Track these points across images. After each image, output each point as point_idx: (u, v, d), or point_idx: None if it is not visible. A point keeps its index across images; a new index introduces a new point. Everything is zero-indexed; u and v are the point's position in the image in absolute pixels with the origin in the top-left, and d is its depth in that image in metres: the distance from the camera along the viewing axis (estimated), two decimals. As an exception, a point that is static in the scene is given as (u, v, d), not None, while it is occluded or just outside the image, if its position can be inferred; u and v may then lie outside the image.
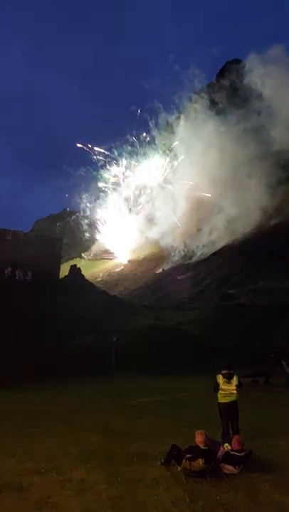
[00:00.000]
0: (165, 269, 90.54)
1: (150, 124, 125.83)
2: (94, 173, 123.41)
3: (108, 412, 16.39)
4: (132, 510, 6.22)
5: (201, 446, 7.80)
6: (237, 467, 7.76)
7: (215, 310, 49.21)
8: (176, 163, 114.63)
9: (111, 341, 35.52)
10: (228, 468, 7.74)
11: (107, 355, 34.72)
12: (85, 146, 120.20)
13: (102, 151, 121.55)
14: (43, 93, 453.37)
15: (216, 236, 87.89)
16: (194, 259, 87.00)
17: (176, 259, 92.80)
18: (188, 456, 7.59)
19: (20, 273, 43.01)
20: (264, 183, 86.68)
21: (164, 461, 8.29)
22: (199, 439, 7.90)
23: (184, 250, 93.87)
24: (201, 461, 7.53)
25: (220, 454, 7.97)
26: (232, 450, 8.04)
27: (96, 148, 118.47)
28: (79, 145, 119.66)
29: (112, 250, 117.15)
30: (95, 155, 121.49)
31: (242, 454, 7.99)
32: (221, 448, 8.26)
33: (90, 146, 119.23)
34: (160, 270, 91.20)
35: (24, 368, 30.25)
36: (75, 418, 14.98)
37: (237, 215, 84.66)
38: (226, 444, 8.55)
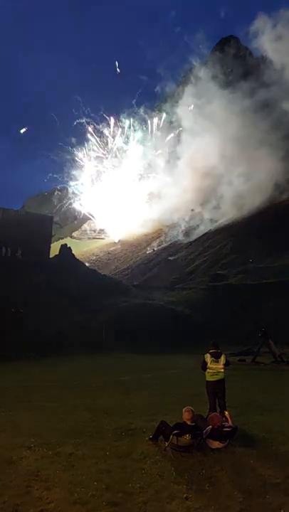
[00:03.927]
0: (156, 249, 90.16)
1: (156, 91, 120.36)
2: (91, 148, 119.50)
3: (98, 389, 16.63)
4: (120, 483, 6.38)
5: (188, 422, 7.99)
6: (223, 442, 7.98)
7: (204, 290, 49.62)
8: (182, 135, 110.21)
9: (101, 320, 35.80)
10: (214, 444, 7.96)
11: (97, 333, 35.05)
12: (84, 120, 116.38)
13: (100, 126, 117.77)
14: (29, 63, 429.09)
15: (221, 212, 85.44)
16: (193, 237, 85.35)
17: (175, 236, 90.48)
18: (175, 432, 7.76)
19: (10, 251, 42.64)
20: (276, 155, 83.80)
21: (152, 437, 8.47)
22: (186, 415, 8.08)
23: (185, 226, 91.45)
24: (188, 437, 7.73)
25: (207, 429, 8.16)
26: (218, 426, 8.24)
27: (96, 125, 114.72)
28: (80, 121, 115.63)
29: (105, 230, 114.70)
30: (92, 130, 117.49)
31: (228, 430, 8.20)
32: (209, 425, 8.47)
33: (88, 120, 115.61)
34: (151, 251, 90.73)
35: (15, 346, 30.42)
36: (66, 394, 15.18)
37: (246, 190, 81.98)
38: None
